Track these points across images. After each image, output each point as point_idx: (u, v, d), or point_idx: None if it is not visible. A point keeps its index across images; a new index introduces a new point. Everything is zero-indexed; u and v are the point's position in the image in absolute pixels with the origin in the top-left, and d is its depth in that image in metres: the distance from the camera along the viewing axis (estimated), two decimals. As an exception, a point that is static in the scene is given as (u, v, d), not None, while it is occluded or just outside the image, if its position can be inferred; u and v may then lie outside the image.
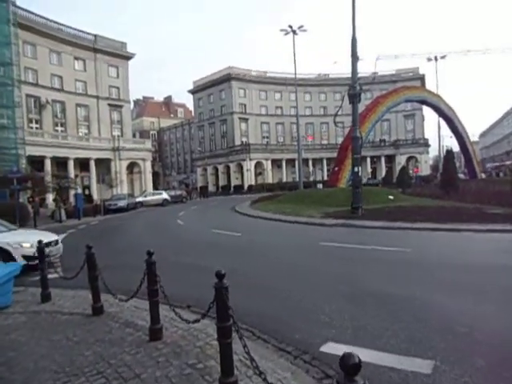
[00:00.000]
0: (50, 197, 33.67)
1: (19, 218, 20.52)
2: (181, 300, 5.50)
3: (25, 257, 8.09)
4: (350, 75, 17.74)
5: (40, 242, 6.50)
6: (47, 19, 41.54)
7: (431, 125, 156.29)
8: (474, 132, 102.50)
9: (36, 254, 7.24)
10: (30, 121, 39.28)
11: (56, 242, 9.25)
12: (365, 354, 3.68)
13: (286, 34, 34.82)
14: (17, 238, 8.54)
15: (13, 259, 7.87)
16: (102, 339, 4.23)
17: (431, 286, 5.90)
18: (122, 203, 30.77)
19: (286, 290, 6.07)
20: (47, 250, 7.77)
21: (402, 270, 6.84)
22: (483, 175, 62.77)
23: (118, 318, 4.87)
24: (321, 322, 4.60)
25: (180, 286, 6.64)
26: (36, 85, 39.62)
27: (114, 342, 4.10)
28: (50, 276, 6.24)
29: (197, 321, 3.41)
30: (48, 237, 9.08)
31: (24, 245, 8.26)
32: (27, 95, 37.79)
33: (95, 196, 40.47)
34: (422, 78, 70.87)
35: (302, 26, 34.52)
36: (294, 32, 34.58)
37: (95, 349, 3.96)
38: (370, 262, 7.78)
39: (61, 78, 42.60)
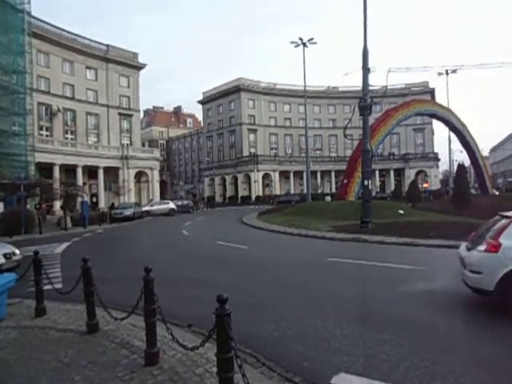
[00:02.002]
0: (57, 204, 33.75)
1: (25, 225, 20.48)
2: (180, 317, 5.20)
3: None
4: (359, 88, 17.54)
5: None
6: (61, 29, 42.30)
7: (440, 139, 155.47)
8: (483, 147, 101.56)
9: None
10: (41, 128, 39.68)
11: None
12: (381, 389, 3.35)
13: (296, 47, 34.84)
14: None
15: None
16: (94, 361, 3.91)
17: (450, 309, 5.50)
18: (128, 212, 30.61)
19: (294, 310, 5.71)
20: None
21: (417, 291, 6.43)
22: (495, 191, 61.66)
23: (114, 337, 4.56)
24: (332, 348, 4.24)
25: (181, 302, 6.34)
26: (48, 93, 40.14)
27: (107, 366, 3.78)
28: (46, 287, 5.96)
29: (195, 348, 3.08)
30: None
31: None
32: (39, 103, 38.27)
33: (102, 204, 40.49)
34: (431, 92, 70.53)
35: (312, 39, 34.52)
36: (304, 44, 34.59)
37: (86, 373, 3.65)
38: (383, 281, 7.38)
39: (72, 86, 43.15)
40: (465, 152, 57.45)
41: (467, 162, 56.49)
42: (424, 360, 3.83)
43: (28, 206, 26.29)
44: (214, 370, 3.47)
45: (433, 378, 3.47)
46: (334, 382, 3.47)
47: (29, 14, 31.75)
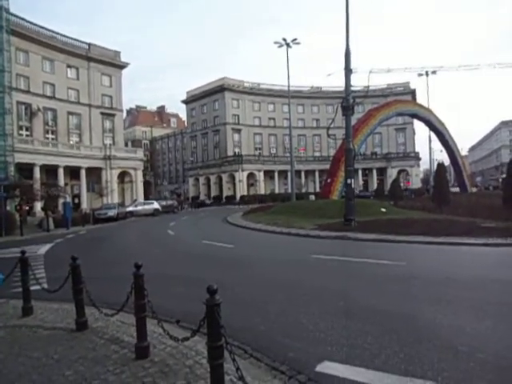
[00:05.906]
0: (38, 205, 33.09)
1: (5, 227, 20.08)
2: (169, 314, 5.28)
3: None
4: (342, 88, 17.85)
5: None
6: (41, 27, 41.39)
7: (422, 138, 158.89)
8: (462, 146, 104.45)
9: None
10: (21, 128, 38.79)
11: None
12: (363, 375, 3.53)
13: (279, 47, 35.12)
14: None
15: None
16: (84, 357, 3.98)
17: (428, 301, 5.75)
18: (111, 212, 30.32)
19: (280, 304, 5.87)
20: None
21: (398, 285, 6.69)
22: (474, 189, 63.43)
23: (103, 334, 4.62)
24: (316, 339, 4.41)
25: (169, 299, 6.42)
26: (27, 92, 39.24)
27: (98, 360, 3.86)
28: (33, 288, 5.96)
29: (186, 339, 3.20)
30: None
31: None
32: (18, 102, 37.34)
33: (85, 205, 39.88)
34: (412, 93, 71.95)
35: (295, 39, 34.87)
36: (288, 45, 34.91)
37: (77, 367, 3.72)
38: (365, 276, 7.61)
39: (53, 85, 42.29)
40: (445, 151, 58.94)
41: (447, 161, 58.05)
42: (403, 348, 4.04)
43: (8, 208, 25.75)
44: (204, 361, 3.61)
45: (411, 364, 3.68)
46: (319, 370, 3.64)
47: (7, 11, 31.05)
